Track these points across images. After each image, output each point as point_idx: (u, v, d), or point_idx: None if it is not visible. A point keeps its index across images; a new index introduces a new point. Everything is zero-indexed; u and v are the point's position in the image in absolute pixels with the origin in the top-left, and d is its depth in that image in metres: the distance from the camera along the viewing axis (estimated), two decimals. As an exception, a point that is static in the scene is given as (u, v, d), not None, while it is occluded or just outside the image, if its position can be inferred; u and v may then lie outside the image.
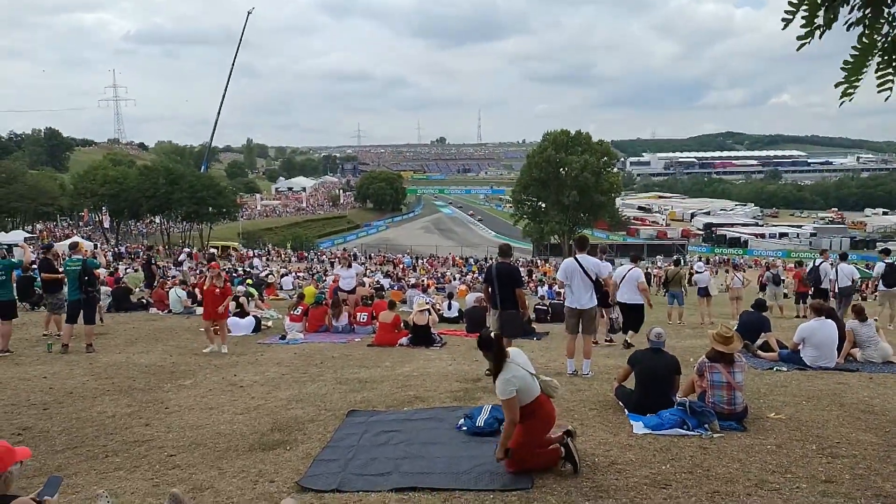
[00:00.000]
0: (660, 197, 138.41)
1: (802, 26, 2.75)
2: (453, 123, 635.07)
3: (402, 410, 6.53)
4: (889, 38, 2.68)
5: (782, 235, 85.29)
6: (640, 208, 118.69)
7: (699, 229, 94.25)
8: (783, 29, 2.80)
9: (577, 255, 7.88)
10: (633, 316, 10.74)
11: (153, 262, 26.01)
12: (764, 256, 67.58)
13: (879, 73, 2.76)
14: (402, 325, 11.55)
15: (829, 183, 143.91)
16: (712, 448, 5.16)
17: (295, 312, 13.17)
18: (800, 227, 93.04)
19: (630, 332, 10.59)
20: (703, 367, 6.01)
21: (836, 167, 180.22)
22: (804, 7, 2.73)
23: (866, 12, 2.67)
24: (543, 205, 64.77)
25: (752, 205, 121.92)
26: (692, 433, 5.49)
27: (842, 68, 2.77)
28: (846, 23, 2.73)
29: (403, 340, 11.14)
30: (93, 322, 10.67)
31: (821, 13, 2.73)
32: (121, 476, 4.96)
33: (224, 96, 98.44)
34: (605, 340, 11.30)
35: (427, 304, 11.87)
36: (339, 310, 13.29)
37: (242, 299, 14.54)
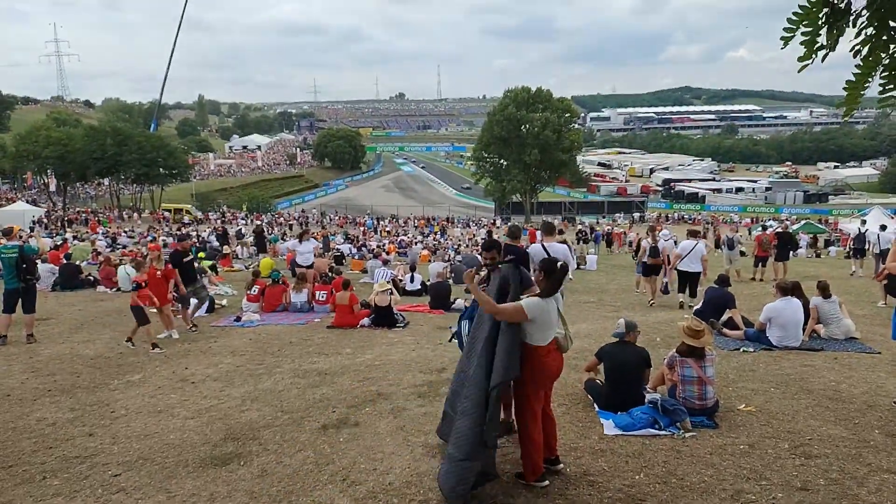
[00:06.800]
0: (619, 153, 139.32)
1: (802, 43, 2.44)
2: (412, 78, 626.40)
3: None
4: (894, 56, 2.39)
5: (738, 190, 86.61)
6: (600, 164, 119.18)
7: (658, 185, 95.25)
8: (783, 48, 2.49)
9: (543, 242, 7.60)
10: (691, 282, 12.26)
11: (264, 232, 26.45)
12: (721, 212, 68.77)
13: (882, 91, 2.49)
14: (360, 304, 11.18)
15: (784, 137, 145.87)
16: (685, 451, 5.01)
17: (251, 292, 12.66)
18: (755, 181, 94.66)
19: (685, 295, 12.24)
20: (673, 361, 5.84)
21: (790, 121, 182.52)
22: (804, 25, 2.41)
23: (869, 34, 2.36)
24: (505, 163, 64.19)
25: (710, 159, 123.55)
26: (664, 433, 5.33)
27: (844, 88, 2.49)
28: (852, 49, 2.43)
29: (365, 321, 10.78)
30: (33, 311, 10.01)
31: (823, 32, 2.42)
32: (59, 504, 4.59)
33: (173, 50, 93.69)
34: (649, 303, 13.09)
35: (388, 283, 11.47)
36: (303, 285, 12.80)
37: (196, 276, 13.94)
